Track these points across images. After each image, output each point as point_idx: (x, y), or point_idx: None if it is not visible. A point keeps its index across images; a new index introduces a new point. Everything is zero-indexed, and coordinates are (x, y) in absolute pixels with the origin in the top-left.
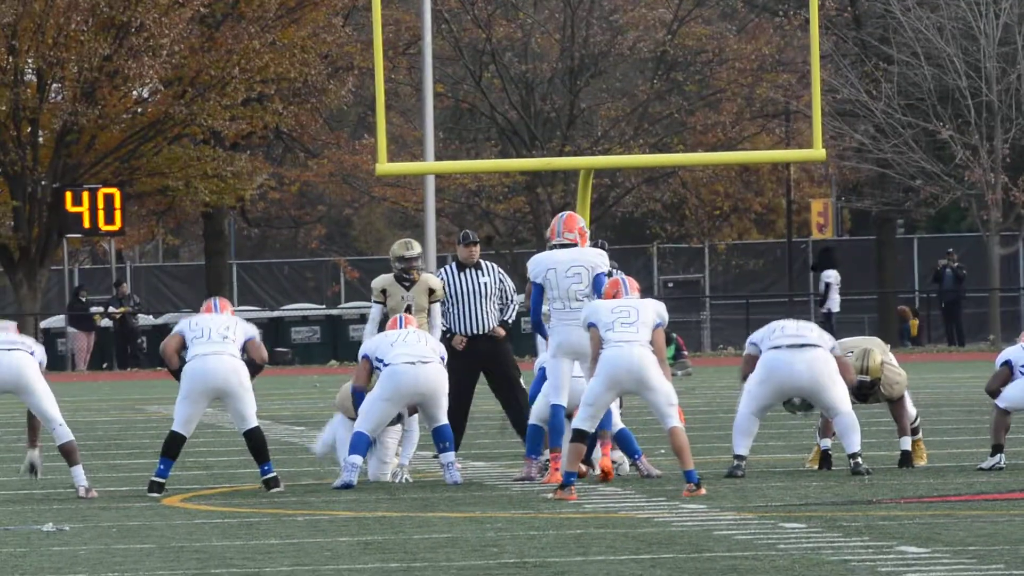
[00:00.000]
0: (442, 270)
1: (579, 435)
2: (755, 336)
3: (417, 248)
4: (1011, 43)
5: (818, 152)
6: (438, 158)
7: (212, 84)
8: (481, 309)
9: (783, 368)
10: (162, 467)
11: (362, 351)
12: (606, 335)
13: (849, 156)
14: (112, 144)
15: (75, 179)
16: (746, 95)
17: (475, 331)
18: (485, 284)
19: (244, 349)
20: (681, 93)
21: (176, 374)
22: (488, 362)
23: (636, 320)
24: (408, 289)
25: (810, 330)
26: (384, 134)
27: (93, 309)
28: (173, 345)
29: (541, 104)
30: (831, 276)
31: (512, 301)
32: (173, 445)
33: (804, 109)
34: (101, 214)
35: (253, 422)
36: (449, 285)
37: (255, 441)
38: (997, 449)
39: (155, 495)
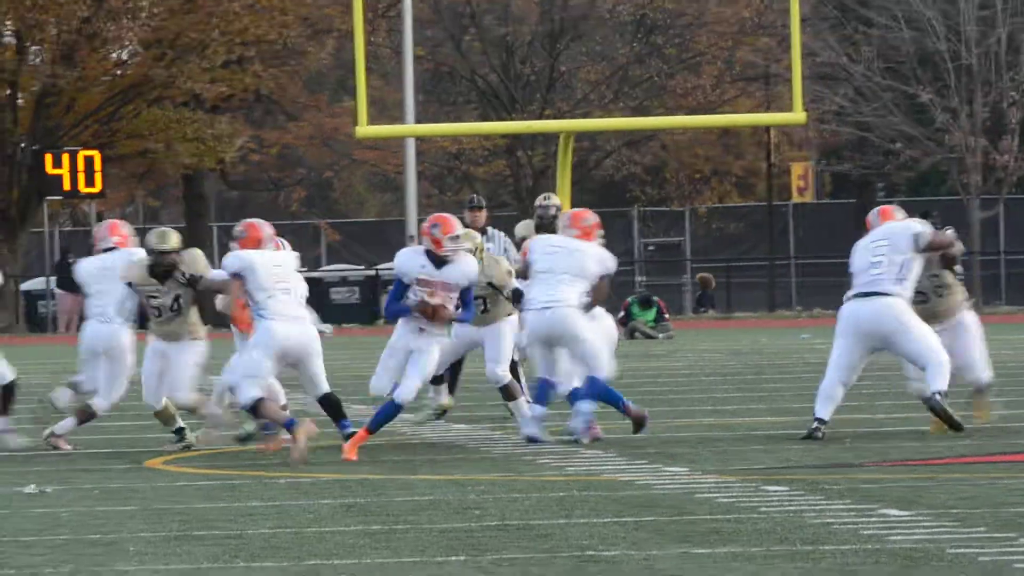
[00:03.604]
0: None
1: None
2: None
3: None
4: (991, 6)
5: (798, 115)
6: (418, 121)
7: (192, 47)
8: None
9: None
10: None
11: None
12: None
13: (829, 119)
14: (92, 106)
15: (55, 142)
16: (726, 58)
17: None
18: (490, 248)
19: None
20: (661, 56)
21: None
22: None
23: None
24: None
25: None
26: (364, 97)
27: None
28: (240, 298)
29: (521, 67)
30: None
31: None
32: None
33: (784, 72)
34: (81, 176)
35: (326, 387)
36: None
37: (332, 403)
38: None
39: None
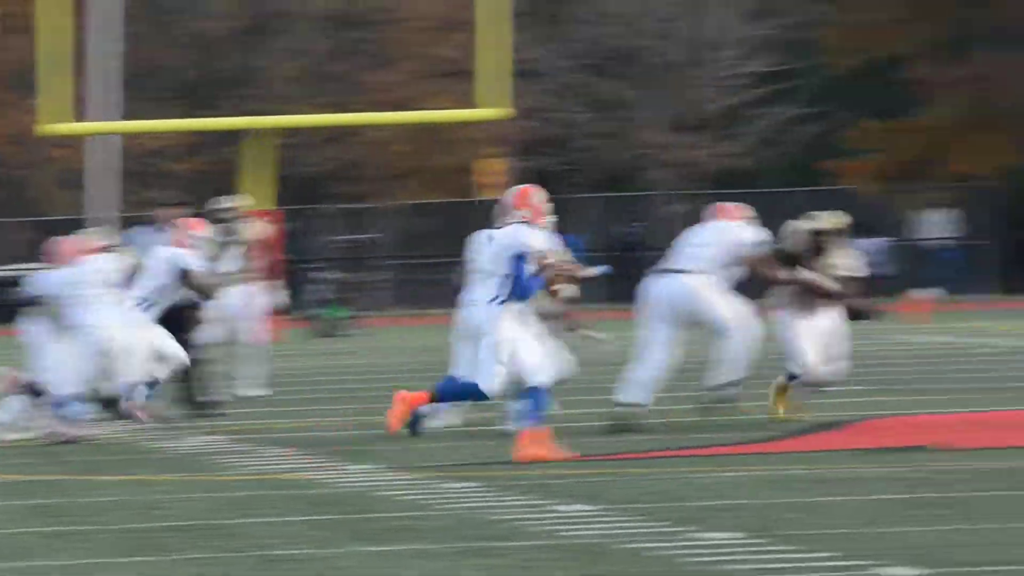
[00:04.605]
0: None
1: None
2: None
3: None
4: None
5: (502, 111)
6: (125, 118)
7: None
8: None
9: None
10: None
11: None
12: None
13: (527, 115)
14: None
15: None
16: (425, 55)
17: None
18: None
19: None
20: (360, 52)
21: None
22: None
23: None
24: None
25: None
26: (69, 92)
27: None
28: None
29: (218, 63)
30: None
31: None
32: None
33: (481, 69)
34: None
35: None
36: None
37: None
38: None
39: None
